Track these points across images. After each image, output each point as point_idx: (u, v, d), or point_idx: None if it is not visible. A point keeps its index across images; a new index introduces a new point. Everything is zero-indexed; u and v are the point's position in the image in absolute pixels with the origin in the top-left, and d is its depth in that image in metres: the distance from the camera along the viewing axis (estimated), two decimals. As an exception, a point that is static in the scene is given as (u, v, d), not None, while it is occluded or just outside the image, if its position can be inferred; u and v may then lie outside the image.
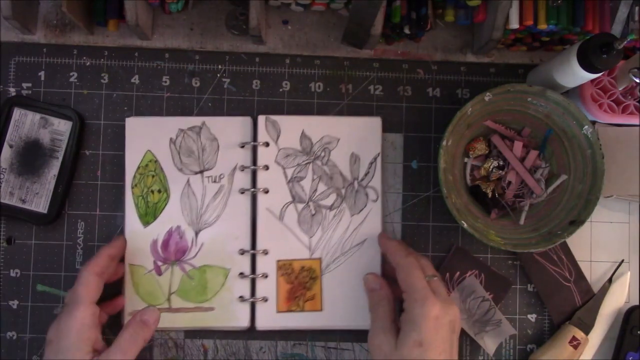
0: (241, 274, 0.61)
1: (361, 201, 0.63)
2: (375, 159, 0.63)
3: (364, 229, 0.63)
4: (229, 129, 0.62)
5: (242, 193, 0.62)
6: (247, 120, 0.63)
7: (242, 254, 0.61)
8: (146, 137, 0.62)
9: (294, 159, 0.62)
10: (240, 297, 0.61)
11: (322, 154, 0.63)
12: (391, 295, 0.58)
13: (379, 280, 0.59)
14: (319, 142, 0.63)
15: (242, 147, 0.62)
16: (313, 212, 0.62)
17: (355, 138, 0.63)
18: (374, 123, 0.64)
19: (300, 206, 0.62)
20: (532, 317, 0.65)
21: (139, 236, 0.61)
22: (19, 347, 0.62)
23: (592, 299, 0.65)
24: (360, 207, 0.63)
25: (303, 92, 0.65)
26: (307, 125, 0.63)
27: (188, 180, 0.62)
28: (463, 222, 0.58)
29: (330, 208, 0.63)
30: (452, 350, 0.52)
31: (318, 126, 0.63)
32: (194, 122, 0.62)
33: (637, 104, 0.63)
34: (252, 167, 0.62)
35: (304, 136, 0.63)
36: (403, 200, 0.65)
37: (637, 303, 0.65)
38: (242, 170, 0.62)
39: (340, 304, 0.62)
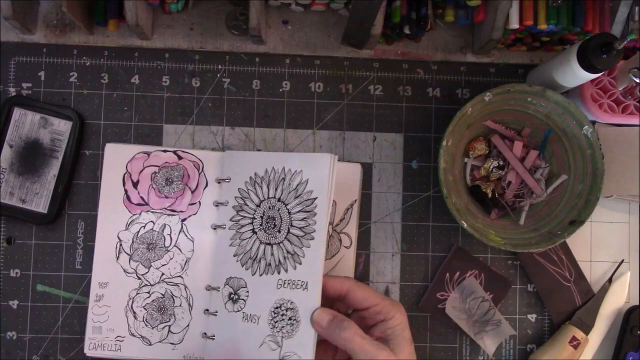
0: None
1: (334, 247, 0.63)
2: (351, 205, 0.63)
3: (335, 274, 0.62)
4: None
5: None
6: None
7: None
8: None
9: None
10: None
11: None
12: (347, 318, 0.52)
13: (329, 311, 0.52)
14: None
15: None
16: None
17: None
18: (354, 169, 0.63)
19: None
20: (532, 317, 0.65)
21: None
22: (19, 347, 0.62)
23: (592, 299, 0.65)
24: (332, 253, 0.62)
25: (303, 92, 0.65)
26: None
27: None
28: (463, 222, 0.58)
29: None
30: None
31: None
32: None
33: (637, 104, 0.63)
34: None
35: None
36: (403, 200, 0.65)
37: (637, 303, 0.65)
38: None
39: None
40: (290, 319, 0.53)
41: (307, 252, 0.54)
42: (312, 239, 0.53)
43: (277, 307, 0.54)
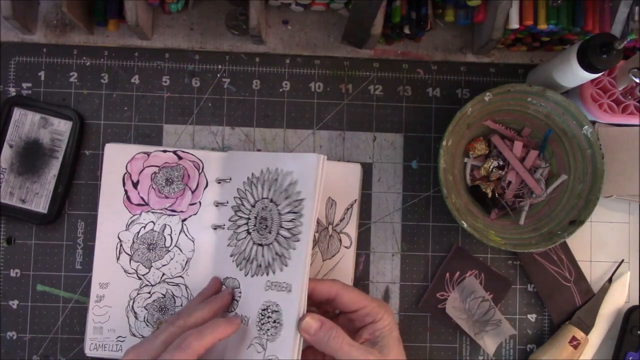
0: None
1: (334, 247, 0.62)
2: (351, 205, 0.63)
3: (335, 275, 0.62)
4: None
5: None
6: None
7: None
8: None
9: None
10: None
11: None
12: (335, 325, 0.51)
13: (317, 318, 0.50)
14: None
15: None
16: None
17: (333, 183, 0.62)
18: (354, 169, 0.63)
19: None
20: (532, 317, 0.65)
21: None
22: (19, 347, 0.62)
23: (592, 299, 0.65)
24: (332, 253, 0.62)
25: (303, 92, 0.65)
26: None
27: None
28: (463, 222, 0.58)
29: None
30: None
31: None
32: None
33: (637, 104, 0.63)
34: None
35: None
36: (403, 200, 0.65)
37: (637, 303, 0.66)
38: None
39: None
40: (274, 321, 0.52)
41: (293, 254, 0.52)
42: (298, 240, 0.52)
43: (264, 309, 0.53)
